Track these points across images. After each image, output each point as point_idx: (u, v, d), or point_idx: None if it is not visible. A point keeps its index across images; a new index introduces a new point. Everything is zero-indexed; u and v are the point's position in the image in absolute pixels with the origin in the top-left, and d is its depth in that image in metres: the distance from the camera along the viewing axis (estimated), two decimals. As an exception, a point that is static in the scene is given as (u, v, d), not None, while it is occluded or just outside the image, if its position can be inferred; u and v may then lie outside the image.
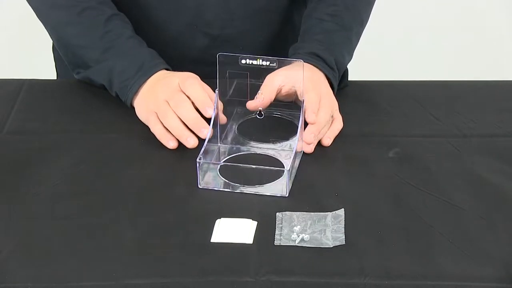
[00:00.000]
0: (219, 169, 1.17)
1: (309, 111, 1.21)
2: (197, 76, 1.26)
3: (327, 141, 1.24)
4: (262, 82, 1.22)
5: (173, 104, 1.22)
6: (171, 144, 1.22)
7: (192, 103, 1.23)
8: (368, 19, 1.44)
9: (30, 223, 1.09)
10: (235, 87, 1.22)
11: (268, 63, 1.18)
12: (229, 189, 1.15)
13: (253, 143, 1.24)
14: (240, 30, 1.43)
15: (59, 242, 1.06)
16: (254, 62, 1.17)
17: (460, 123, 1.31)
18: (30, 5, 1.40)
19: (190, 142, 1.21)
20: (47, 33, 1.41)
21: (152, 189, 1.16)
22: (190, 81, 1.24)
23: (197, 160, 1.14)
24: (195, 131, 1.21)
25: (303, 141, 1.20)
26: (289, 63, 1.20)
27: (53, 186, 1.16)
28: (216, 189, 1.15)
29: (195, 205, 1.13)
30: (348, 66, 1.41)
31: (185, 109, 1.22)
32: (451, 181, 1.17)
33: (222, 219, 1.09)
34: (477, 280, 1.01)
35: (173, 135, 1.22)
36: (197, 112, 1.21)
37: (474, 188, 1.16)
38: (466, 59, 2.73)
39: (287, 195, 1.14)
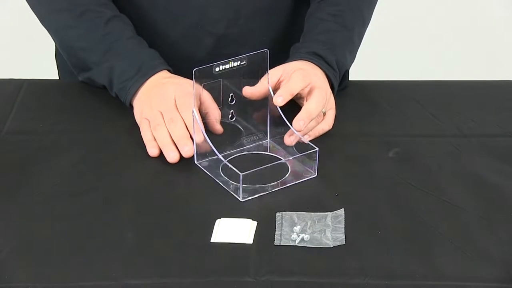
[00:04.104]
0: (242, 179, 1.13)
1: (286, 88, 1.20)
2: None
3: (305, 137, 1.24)
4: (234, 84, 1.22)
5: (167, 120, 1.23)
6: (153, 151, 1.21)
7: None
8: (370, 18, 1.44)
9: (30, 223, 1.09)
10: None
11: (239, 62, 1.17)
12: (268, 191, 1.14)
13: (227, 148, 1.22)
14: (245, 29, 1.43)
15: (59, 242, 1.06)
16: (227, 66, 1.16)
17: (460, 123, 1.30)
18: (32, 10, 1.40)
19: (171, 156, 1.20)
20: (47, 33, 1.41)
21: (152, 189, 1.16)
22: (186, 102, 1.23)
23: (241, 173, 1.11)
24: (178, 146, 1.20)
25: (294, 128, 1.19)
26: (255, 56, 1.18)
27: (53, 186, 1.16)
28: (256, 196, 1.13)
29: (195, 205, 1.13)
30: (348, 67, 1.42)
31: (177, 128, 1.21)
32: (451, 181, 1.17)
33: (222, 219, 1.09)
34: (477, 280, 1.01)
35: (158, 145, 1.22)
36: (186, 131, 1.21)
37: (474, 188, 1.16)
38: (466, 59, 2.73)
39: (316, 175, 1.16)
